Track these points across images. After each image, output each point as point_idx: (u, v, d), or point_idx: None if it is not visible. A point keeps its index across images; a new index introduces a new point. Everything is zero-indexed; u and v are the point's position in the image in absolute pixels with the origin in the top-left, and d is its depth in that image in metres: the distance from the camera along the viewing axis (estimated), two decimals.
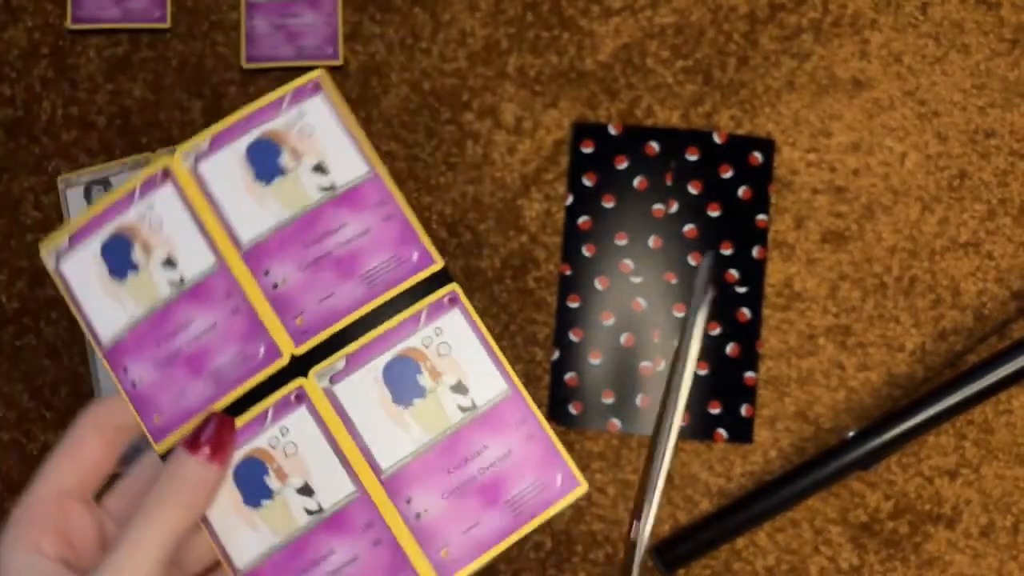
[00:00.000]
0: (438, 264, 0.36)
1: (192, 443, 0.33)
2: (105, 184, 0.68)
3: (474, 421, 0.35)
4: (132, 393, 0.34)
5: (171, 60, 0.70)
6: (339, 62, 0.70)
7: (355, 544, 0.34)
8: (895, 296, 0.69)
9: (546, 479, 0.35)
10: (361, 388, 0.35)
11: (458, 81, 0.70)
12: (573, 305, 0.68)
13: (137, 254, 0.35)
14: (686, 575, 0.66)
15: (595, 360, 0.67)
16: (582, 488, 0.35)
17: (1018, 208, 0.69)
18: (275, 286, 0.35)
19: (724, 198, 0.69)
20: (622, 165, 0.69)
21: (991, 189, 0.70)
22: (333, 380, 0.35)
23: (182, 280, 0.35)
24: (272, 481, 0.34)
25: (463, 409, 0.35)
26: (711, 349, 0.68)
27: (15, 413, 0.67)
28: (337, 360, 0.35)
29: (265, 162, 0.35)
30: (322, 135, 0.36)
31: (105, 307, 0.35)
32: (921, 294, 0.69)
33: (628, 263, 0.68)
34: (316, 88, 0.36)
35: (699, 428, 0.67)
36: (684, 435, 0.67)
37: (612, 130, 0.69)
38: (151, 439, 0.34)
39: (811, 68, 0.70)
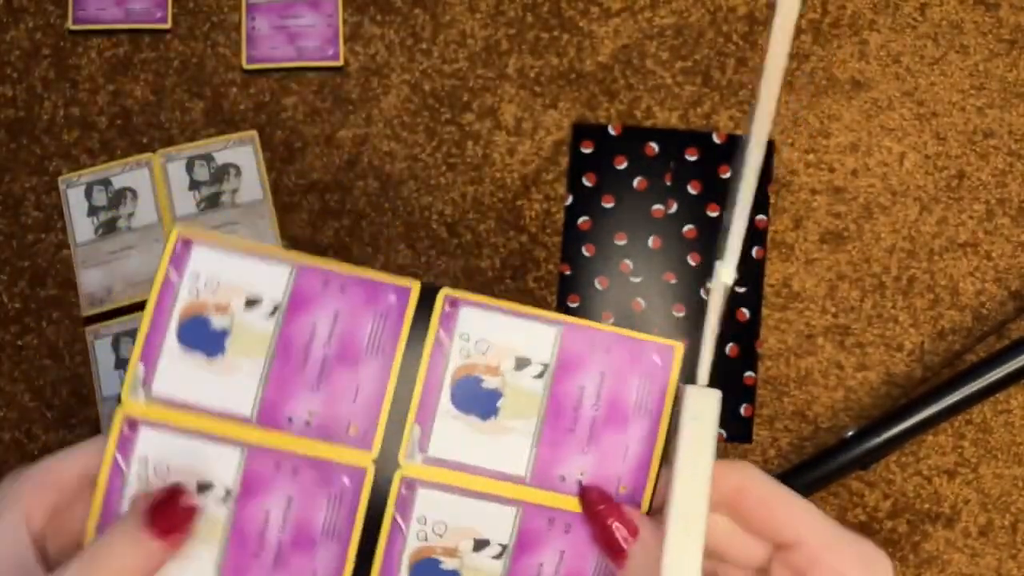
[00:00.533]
0: (415, 287, 0.35)
1: (151, 521, 0.31)
2: (106, 184, 0.68)
3: (555, 376, 0.34)
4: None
5: (172, 61, 0.70)
6: (339, 63, 0.70)
7: (552, 546, 0.34)
8: (894, 296, 0.69)
9: (647, 367, 0.34)
10: (449, 433, 0.34)
11: (458, 82, 0.70)
12: (573, 305, 0.68)
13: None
14: None
15: None
16: (679, 347, 0.35)
17: (1016, 208, 0.70)
18: (307, 424, 0.34)
19: (724, 198, 0.69)
20: (622, 165, 0.69)
21: (989, 189, 0.70)
22: (422, 448, 0.34)
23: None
24: (448, 566, 0.34)
25: (539, 376, 0.34)
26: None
27: (16, 413, 0.67)
28: (411, 430, 0.34)
29: (202, 338, 0.34)
30: (227, 277, 0.34)
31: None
32: (920, 294, 0.69)
33: (628, 263, 0.68)
34: (186, 244, 0.35)
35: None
36: None
37: (612, 131, 0.69)
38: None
39: (810, 69, 0.70)
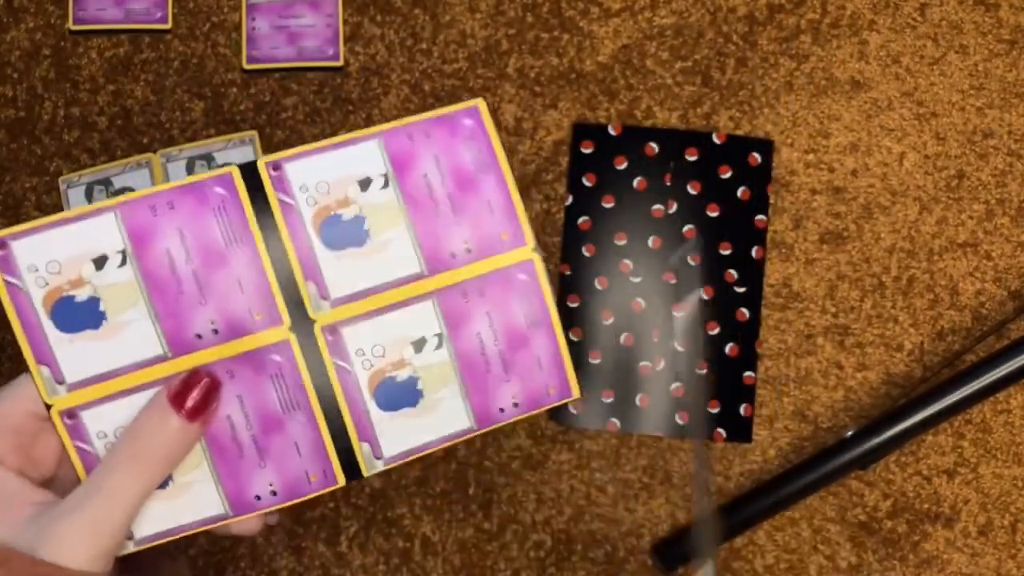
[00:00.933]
0: (235, 171, 0.36)
1: (178, 400, 0.33)
2: (106, 184, 0.68)
3: (397, 178, 0.36)
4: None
5: (172, 61, 0.70)
6: (339, 63, 0.70)
7: (478, 313, 0.36)
8: (893, 296, 0.69)
9: (465, 131, 0.36)
10: (339, 273, 0.36)
11: (458, 82, 0.70)
12: (573, 305, 0.68)
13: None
14: (685, 574, 0.67)
15: (595, 360, 0.68)
16: (481, 102, 0.37)
17: (1016, 208, 0.70)
18: (216, 332, 0.36)
19: (723, 198, 0.69)
20: (622, 165, 0.69)
21: (989, 189, 0.70)
22: (324, 296, 0.36)
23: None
24: (402, 375, 0.36)
25: (384, 186, 0.36)
26: (711, 349, 0.68)
27: None
28: (306, 289, 0.36)
29: (78, 316, 0.35)
30: (61, 253, 0.35)
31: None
32: (919, 294, 0.69)
33: (627, 263, 0.68)
34: (3, 246, 0.35)
35: (698, 428, 0.67)
36: (683, 434, 0.67)
37: (612, 131, 0.69)
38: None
39: (809, 69, 0.70)
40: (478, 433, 0.38)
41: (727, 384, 0.68)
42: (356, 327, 0.36)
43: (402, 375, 0.36)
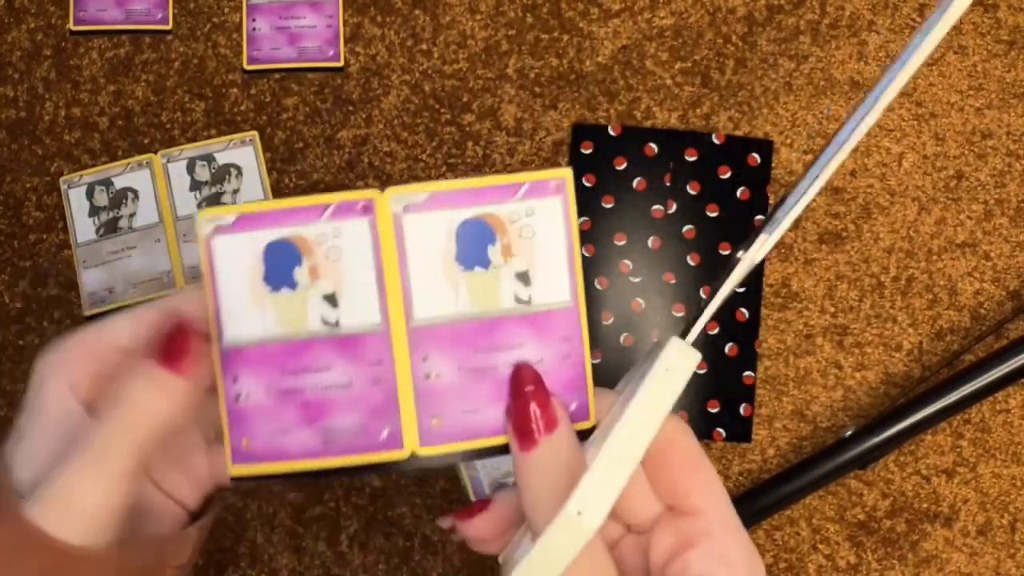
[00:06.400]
0: (590, 423, 0.33)
1: (155, 352, 0.30)
2: (107, 185, 0.68)
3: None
4: (232, 405, 0.32)
5: (173, 61, 0.70)
6: (340, 63, 0.70)
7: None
8: (892, 296, 0.69)
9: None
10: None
11: (458, 83, 0.70)
12: None
13: (302, 273, 0.32)
14: None
15: (595, 360, 0.68)
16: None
17: (1014, 208, 0.70)
18: (427, 376, 0.32)
19: (722, 199, 0.69)
20: (621, 166, 0.69)
21: (988, 190, 0.70)
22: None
23: (337, 323, 0.32)
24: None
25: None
26: (710, 349, 0.68)
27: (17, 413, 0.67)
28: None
29: (473, 245, 0.32)
30: (542, 243, 0.33)
31: (242, 306, 0.32)
32: (918, 294, 0.69)
33: (627, 263, 0.69)
34: (559, 190, 0.33)
35: (698, 427, 0.67)
36: None
37: (611, 131, 0.69)
38: (229, 456, 0.32)
39: (809, 70, 0.71)
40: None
41: (726, 384, 0.68)
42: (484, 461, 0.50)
43: (511, 480, 0.49)
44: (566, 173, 0.33)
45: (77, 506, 0.29)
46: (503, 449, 0.33)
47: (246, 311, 0.32)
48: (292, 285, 0.32)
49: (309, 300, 0.32)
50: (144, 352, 0.31)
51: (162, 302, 0.33)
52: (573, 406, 0.33)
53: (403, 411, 0.32)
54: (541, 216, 0.33)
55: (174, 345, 0.31)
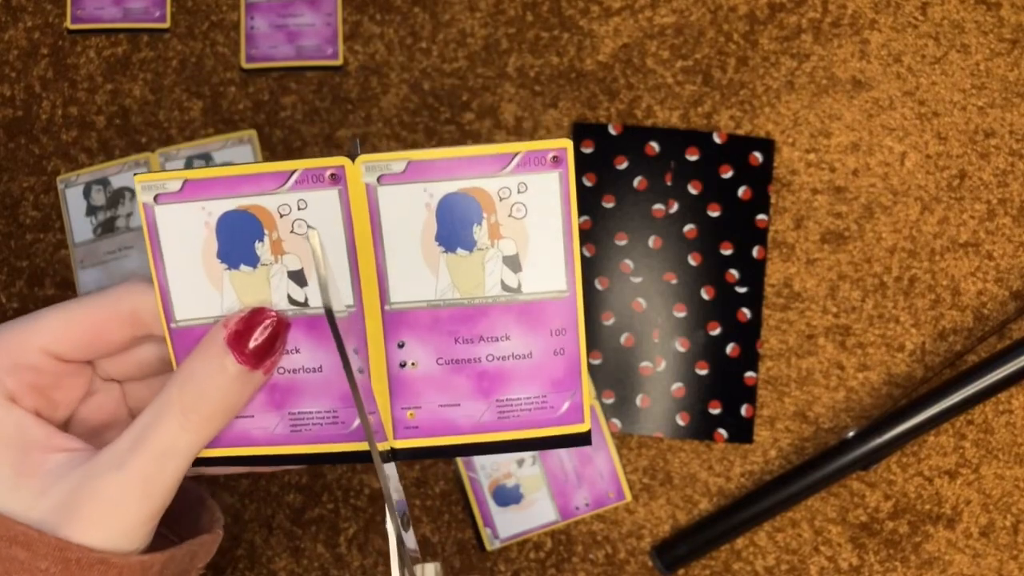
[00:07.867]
0: (584, 426, 0.30)
1: (238, 345, 0.28)
2: (104, 184, 0.68)
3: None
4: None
5: (171, 60, 0.70)
6: (339, 62, 0.70)
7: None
8: (895, 296, 0.69)
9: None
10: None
11: (458, 81, 0.70)
12: None
13: (264, 249, 0.29)
14: (686, 575, 0.66)
15: (595, 360, 0.67)
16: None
17: (1018, 208, 0.69)
18: (402, 365, 0.30)
19: (724, 198, 0.69)
20: (622, 165, 0.69)
21: (991, 189, 0.70)
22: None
23: (306, 302, 0.29)
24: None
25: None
26: (711, 349, 0.68)
27: None
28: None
29: (455, 224, 0.29)
30: (535, 223, 0.29)
31: (193, 285, 0.29)
32: (921, 294, 0.69)
33: (628, 263, 0.68)
34: (557, 163, 0.28)
35: (699, 428, 0.67)
36: (684, 435, 0.67)
37: (612, 130, 0.69)
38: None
39: (810, 68, 0.70)
40: (562, 524, 0.60)
41: (728, 385, 0.67)
42: (485, 462, 0.63)
43: (510, 483, 0.60)
44: (566, 143, 0.28)
45: (147, 495, 0.27)
46: (483, 448, 0.30)
47: (196, 288, 0.29)
48: (252, 261, 0.29)
49: (273, 278, 0.29)
50: (226, 339, 0.28)
51: (104, 298, 0.29)
52: (565, 407, 0.30)
53: (378, 399, 0.30)
54: (535, 193, 0.28)
55: (264, 348, 0.28)
